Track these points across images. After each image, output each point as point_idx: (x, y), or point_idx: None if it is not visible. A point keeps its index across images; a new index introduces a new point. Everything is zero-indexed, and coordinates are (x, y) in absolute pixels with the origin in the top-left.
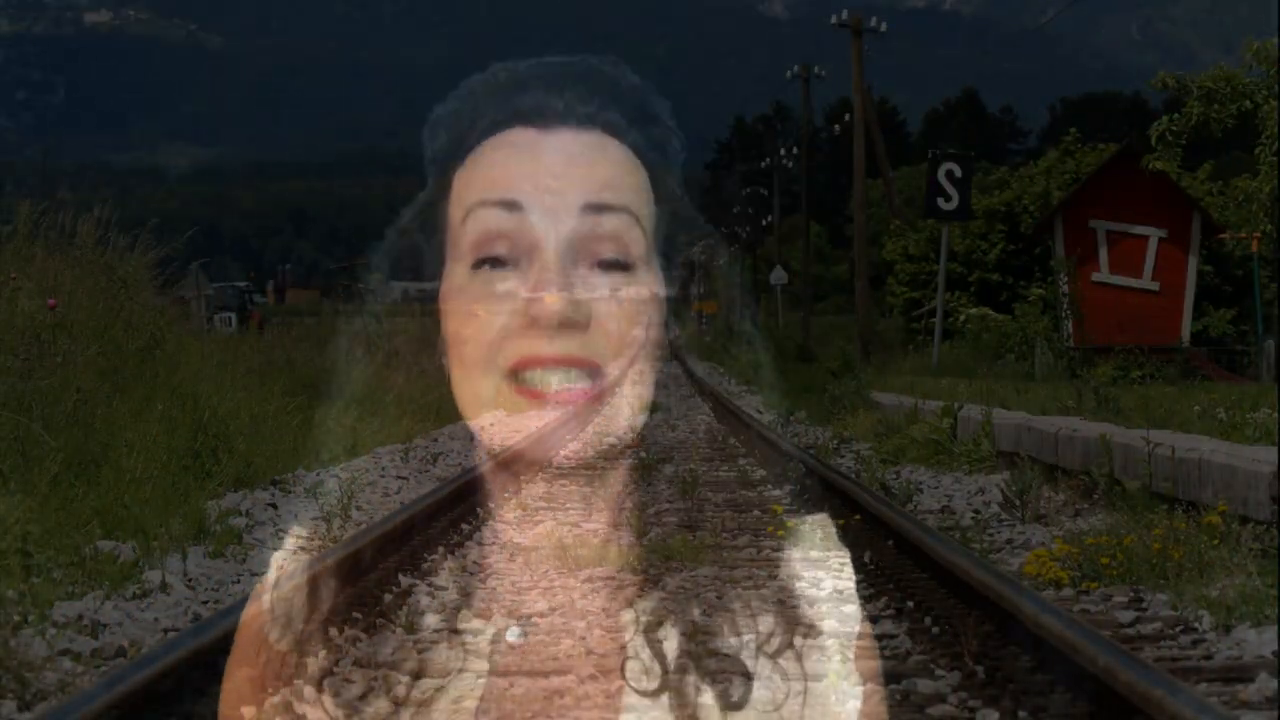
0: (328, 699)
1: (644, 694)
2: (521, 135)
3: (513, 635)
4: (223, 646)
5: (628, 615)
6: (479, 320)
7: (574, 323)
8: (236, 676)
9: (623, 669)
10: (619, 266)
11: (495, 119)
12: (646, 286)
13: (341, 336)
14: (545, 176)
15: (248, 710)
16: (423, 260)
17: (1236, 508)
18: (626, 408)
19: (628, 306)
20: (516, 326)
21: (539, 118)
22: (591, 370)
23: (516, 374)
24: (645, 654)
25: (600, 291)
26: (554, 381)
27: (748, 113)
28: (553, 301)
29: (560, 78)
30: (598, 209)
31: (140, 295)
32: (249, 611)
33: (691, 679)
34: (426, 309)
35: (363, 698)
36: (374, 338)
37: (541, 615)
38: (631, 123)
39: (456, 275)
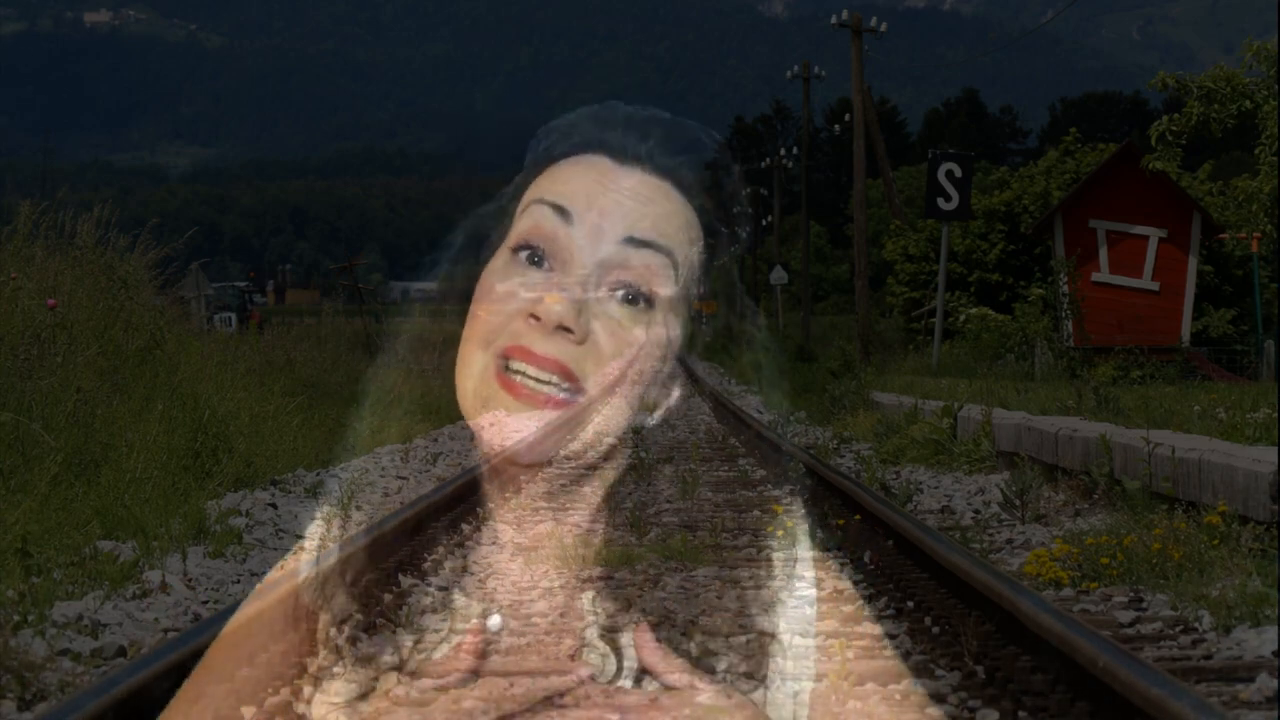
0: None
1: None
2: (598, 161)
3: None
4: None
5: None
6: (492, 300)
7: (570, 331)
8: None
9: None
10: (641, 300)
11: (583, 140)
12: (661, 328)
13: (390, 338)
14: (600, 198)
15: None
16: (482, 245)
17: (1236, 508)
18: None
19: (631, 340)
20: (521, 317)
21: (620, 152)
22: (572, 384)
23: (506, 360)
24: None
25: (609, 314)
26: (534, 381)
27: (748, 113)
28: (554, 301)
29: (648, 126)
30: (637, 243)
31: (140, 295)
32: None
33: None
34: (425, 309)
35: None
36: (391, 337)
37: (542, 615)
38: (705, 189)
39: (498, 258)
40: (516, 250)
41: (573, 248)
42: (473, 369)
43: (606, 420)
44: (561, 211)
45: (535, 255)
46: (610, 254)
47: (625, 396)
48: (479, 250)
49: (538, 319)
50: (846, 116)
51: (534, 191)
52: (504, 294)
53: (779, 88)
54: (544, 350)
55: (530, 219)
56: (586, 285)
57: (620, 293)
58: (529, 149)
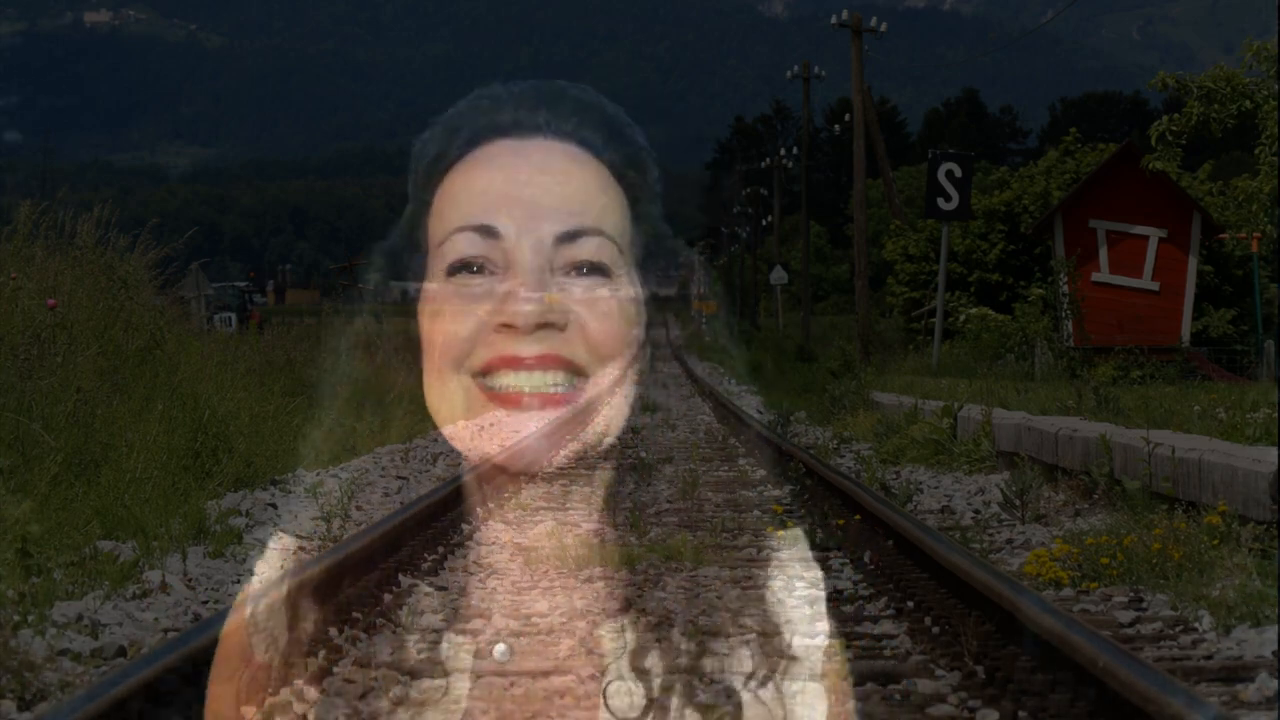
0: None
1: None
2: (499, 148)
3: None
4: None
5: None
6: (450, 321)
7: (550, 323)
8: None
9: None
10: (597, 271)
11: (474, 132)
12: (626, 290)
13: (340, 337)
14: (520, 197)
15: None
16: (408, 274)
17: (1236, 508)
18: (622, 408)
19: (608, 305)
20: (490, 328)
21: (517, 129)
22: (573, 371)
23: (487, 375)
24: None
25: (576, 294)
26: (530, 384)
27: (748, 113)
28: (523, 301)
29: (538, 98)
30: (572, 236)
31: (140, 295)
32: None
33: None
34: (411, 310)
35: None
36: (373, 338)
37: (542, 615)
38: (608, 143)
39: (432, 282)
40: (452, 273)
41: (511, 255)
42: (453, 395)
43: (614, 408)
44: (486, 230)
45: (473, 267)
46: (550, 253)
47: (626, 375)
48: (401, 271)
49: (511, 325)
50: (846, 116)
51: (447, 212)
52: (458, 312)
53: (779, 88)
54: (533, 351)
55: (456, 249)
56: (542, 278)
57: (575, 270)
58: (410, 169)
